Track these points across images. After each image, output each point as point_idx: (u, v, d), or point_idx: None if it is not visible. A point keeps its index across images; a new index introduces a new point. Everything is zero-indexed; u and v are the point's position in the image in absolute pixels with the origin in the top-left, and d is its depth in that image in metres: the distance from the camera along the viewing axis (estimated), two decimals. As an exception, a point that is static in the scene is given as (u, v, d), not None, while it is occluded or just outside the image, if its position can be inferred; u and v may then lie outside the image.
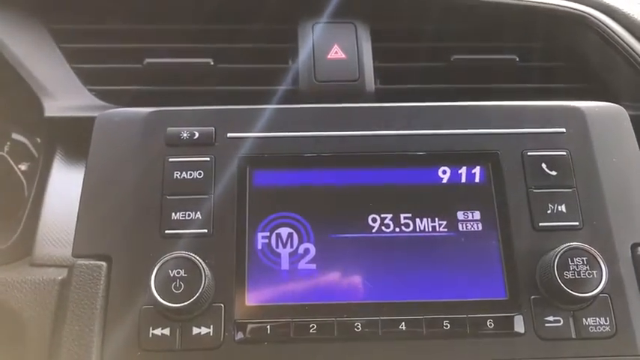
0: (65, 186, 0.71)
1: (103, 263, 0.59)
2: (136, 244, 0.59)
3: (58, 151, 0.74)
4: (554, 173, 0.64)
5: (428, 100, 0.69)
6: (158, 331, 0.56)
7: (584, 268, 0.57)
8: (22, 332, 0.59)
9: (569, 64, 0.83)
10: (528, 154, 0.64)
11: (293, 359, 0.57)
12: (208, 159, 0.63)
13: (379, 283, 0.59)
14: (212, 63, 0.77)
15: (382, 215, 0.62)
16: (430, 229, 0.61)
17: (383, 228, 0.61)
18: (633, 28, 0.78)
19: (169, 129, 0.64)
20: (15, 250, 0.68)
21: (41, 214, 0.68)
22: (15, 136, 0.79)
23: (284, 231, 0.61)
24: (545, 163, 0.64)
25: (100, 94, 0.77)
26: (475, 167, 0.64)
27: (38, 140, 0.78)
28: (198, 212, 0.61)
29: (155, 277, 0.55)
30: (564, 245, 0.58)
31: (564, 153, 0.64)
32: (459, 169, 0.64)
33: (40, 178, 0.73)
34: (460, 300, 0.58)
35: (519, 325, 0.58)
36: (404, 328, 0.57)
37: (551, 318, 0.58)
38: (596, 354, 0.57)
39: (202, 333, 0.56)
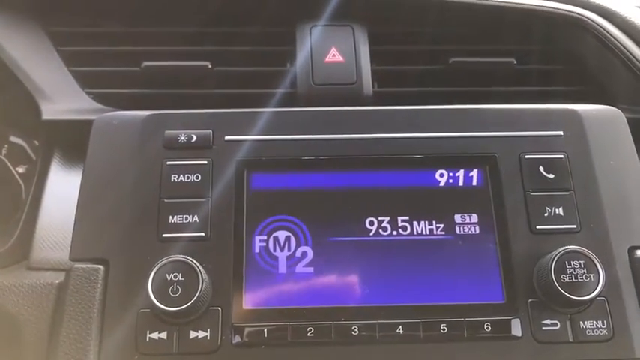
0: (63, 189, 0.71)
1: (101, 267, 0.59)
2: (134, 247, 0.59)
3: (56, 154, 0.74)
4: (551, 176, 0.64)
5: (426, 103, 0.70)
6: (155, 335, 0.56)
7: (582, 272, 0.57)
8: (19, 336, 0.59)
9: (566, 67, 0.83)
10: (526, 157, 0.64)
11: (290, 363, 0.57)
12: (206, 162, 0.63)
13: (376, 287, 0.59)
14: (210, 66, 0.77)
15: (380, 218, 0.62)
16: (427, 232, 0.61)
17: (380, 231, 0.61)
18: (631, 31, 0.78)
19: (167, 132, 0.64)
20: (12, 254, 0.67)
21: (39, 218, 0.68)
22: (13, 138, 0.79)
23: (281, 234, 0.61)
24: (543, 166, 0.64)
25: (97, 97, 0.77)
26: (473, 170, 0.64)
27: (36, 143, 0.77)
28: (196, 215, 0.61)
29: (152, 280, 0.55)
30: (562, 248, 0.58)
31: (562, 156, 0.65)
32: (457, 172, 0.64)
33: (37, 181, 0.73)
34: (457, 303, 0.59)
35: (516, 329, 0.58)
36: (401, 331, 0.57)
37: (548, 321, 0.58)
38: (594, 357, 0.57)
39: (200, 336, 0.56)
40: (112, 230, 0.60)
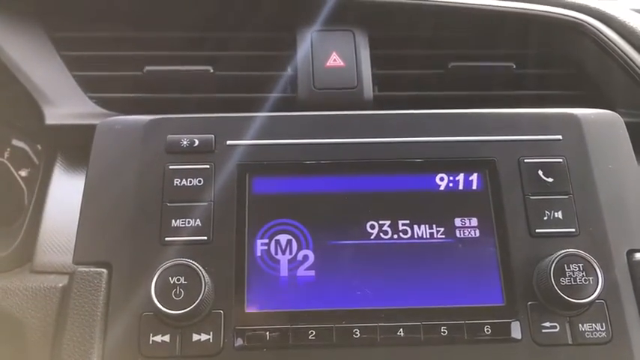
0: (66, 193, 0.71)
1: (104, 270, 0.59)
2: (137, 251, 0.60)
3: (59, 158, 0.75)
4: (550, 180, 0.64)
5: (426, 108, 0.70)
6: (158, 338, 0.57)
7: (581, 275, 0.57)
8: (22, 339, 0.59)
9: (565, 72, 0.83)
10: (525, 161, 0.65)
11: (292, 365, 0.57)
12: (208, 166, 0.64)
13: (377, 290, 0.59)
14: (212, 70, 0.78)
15: (380, 222, 0.62)
16: (428, 236, 0.62)
17: (381, 235, 0.62)
18: (629, 35, 0.78)
19: (169, 136, 0.65)
20: (15, 257, 0.68)
21: (42, 221, 0.68)
22: (15, 142, 0.79)
23: (283, 238, 0.61)
24: (542, 170, 0.64)
25: (100, 102, 0.77)
26: (472, 174, 0.64)
27: (39, 147, 0.78)
28: (198, 219, 0.61)
29: (155, 284, 0.56)
30: (561, 252, 0.58)
31: (560, 160, 0.65)
32: (457, 176, 0.64)
33: (40, 184, 0.74)
34: (458, 306, 0.59)
35: (516, 331, 0.58)
36: (402, 334, 0.58)
37: (547, 324, 0.58)
38: None
39: (202, 339, 0.57)
40: (115, 234, 0.61)
